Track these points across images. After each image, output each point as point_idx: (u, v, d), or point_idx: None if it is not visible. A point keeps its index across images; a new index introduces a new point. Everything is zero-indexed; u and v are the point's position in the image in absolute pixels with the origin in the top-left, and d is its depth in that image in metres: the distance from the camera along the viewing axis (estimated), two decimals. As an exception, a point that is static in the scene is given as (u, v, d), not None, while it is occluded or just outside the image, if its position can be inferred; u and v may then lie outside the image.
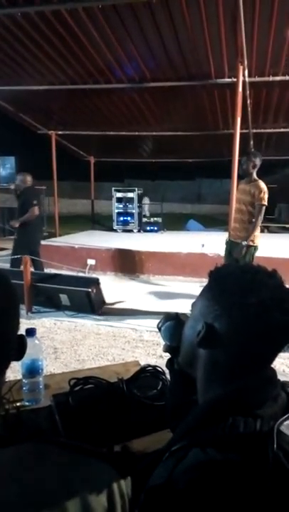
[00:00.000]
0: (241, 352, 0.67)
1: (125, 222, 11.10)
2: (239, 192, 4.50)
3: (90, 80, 6.82)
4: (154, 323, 1.06)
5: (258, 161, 4.30)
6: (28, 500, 0.49)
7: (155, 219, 11.48)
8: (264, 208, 4.21)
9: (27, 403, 1.30)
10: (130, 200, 11.06)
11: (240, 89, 5.72)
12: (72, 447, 0.57)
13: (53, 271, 5.95)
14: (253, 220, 4.25)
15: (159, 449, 0.70)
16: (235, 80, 5.84)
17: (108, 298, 4.98)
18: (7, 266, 5.79)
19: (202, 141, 10.36)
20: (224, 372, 0.69)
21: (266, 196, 4.20)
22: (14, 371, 0.63)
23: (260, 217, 4.24)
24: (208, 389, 0.71)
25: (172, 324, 0.99)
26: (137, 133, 9.98)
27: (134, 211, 11.03)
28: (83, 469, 0.55)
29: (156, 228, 11.10)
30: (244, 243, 4.24)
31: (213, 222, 15.15)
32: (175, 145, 10.98)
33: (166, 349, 0.99)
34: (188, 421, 0.69)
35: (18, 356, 0.66)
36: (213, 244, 6.83)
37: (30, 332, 1.27)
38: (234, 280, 0.70)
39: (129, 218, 11.08)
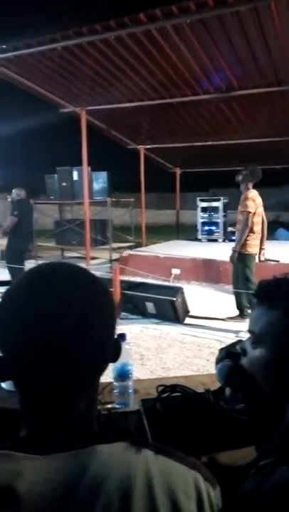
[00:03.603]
0: None
1: (210, 232, 10.99)
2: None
3: (178, 93, 6.95)
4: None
5: (253, 175, 4.61)
6: (120, 495, 0.51)
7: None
8: (246, 214, 4.45)
9: (117, 406, 1.34)
10: (215, 209, 10.95)
11: None
12: (164, 452, 0.58)
13: (139, 279, 6.13)
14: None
15: (246, 463, 0.69)
16: None
17: (192, 307, 4.98)
18: (99, 273, 6.12)
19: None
20: None
21: (250, 203, 4.44)
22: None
23: (247, 223, 4.45)
24: None
25: (227, 366, 0.90)
26: (223, 142, 9.89)
27: (219, 220, 10.88)
28: (174, 474, 0.55)
29: (242, 238, 10.82)
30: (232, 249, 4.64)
31: (305, 230, 14.19)
32: (262, 152, 10.64)
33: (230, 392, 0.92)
34: (277, 437, 0.68)
35: (114, 359, 0.71)
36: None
37: (122, 337, 1.32)
38: None
39: (214, 228, 10.95)
